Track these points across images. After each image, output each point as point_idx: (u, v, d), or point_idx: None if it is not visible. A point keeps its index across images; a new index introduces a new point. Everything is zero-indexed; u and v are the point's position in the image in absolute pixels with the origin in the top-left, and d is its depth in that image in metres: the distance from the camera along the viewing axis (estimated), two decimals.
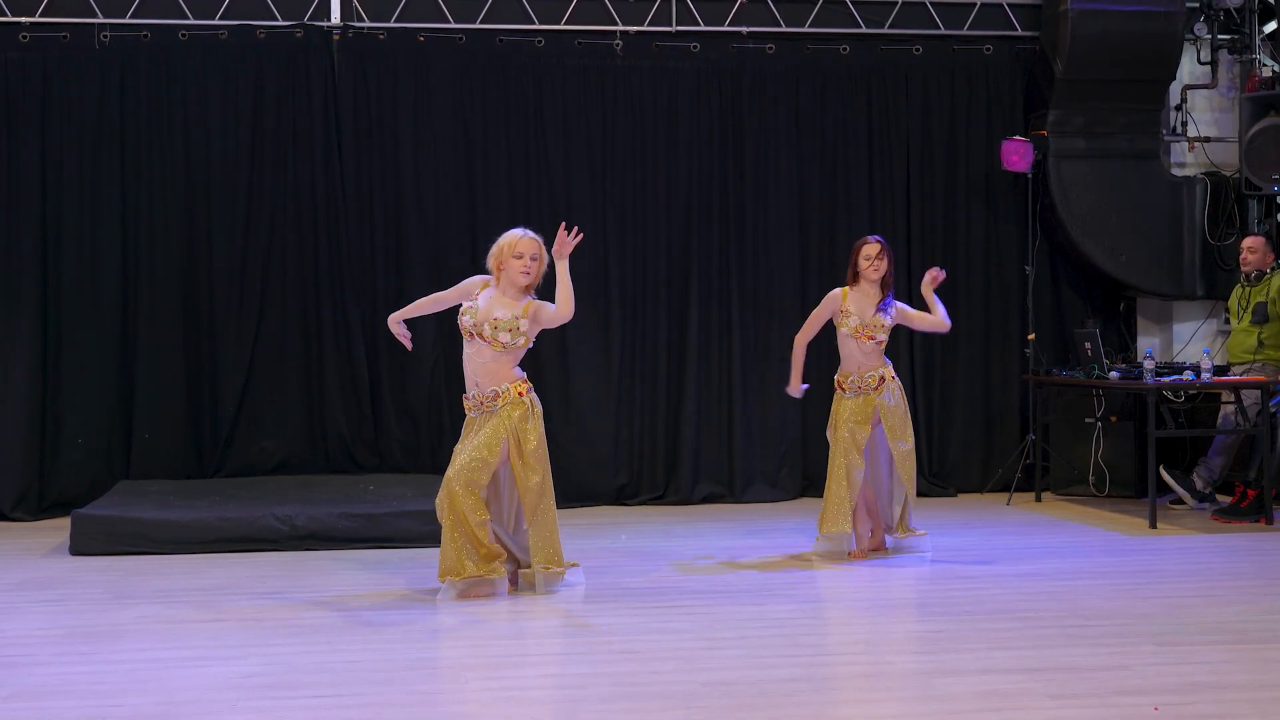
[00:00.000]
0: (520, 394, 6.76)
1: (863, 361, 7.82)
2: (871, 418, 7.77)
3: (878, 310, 7.79)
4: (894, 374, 7.89)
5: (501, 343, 6.71)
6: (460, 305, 6.83)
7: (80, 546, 8.02)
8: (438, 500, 6.74)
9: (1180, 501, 9.58)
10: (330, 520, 8.18)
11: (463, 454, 6.70)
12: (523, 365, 9.93)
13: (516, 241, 6.81)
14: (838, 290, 7.92)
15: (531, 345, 6.89)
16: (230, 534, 8.07)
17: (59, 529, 8.79)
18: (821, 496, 7.95)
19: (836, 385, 7.90)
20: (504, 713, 4.85)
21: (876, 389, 7.78)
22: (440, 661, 5.66)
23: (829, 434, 7.93)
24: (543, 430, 6.82)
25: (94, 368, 9.70)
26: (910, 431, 7.87)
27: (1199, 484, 9.55)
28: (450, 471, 6.68)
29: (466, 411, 6.85)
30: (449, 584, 6.68)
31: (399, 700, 5.01)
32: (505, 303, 6.76)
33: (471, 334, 6.75)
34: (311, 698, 5.06)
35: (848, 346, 7.84)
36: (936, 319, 7.97)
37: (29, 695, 5.08)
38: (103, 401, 9.72)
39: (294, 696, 5.09)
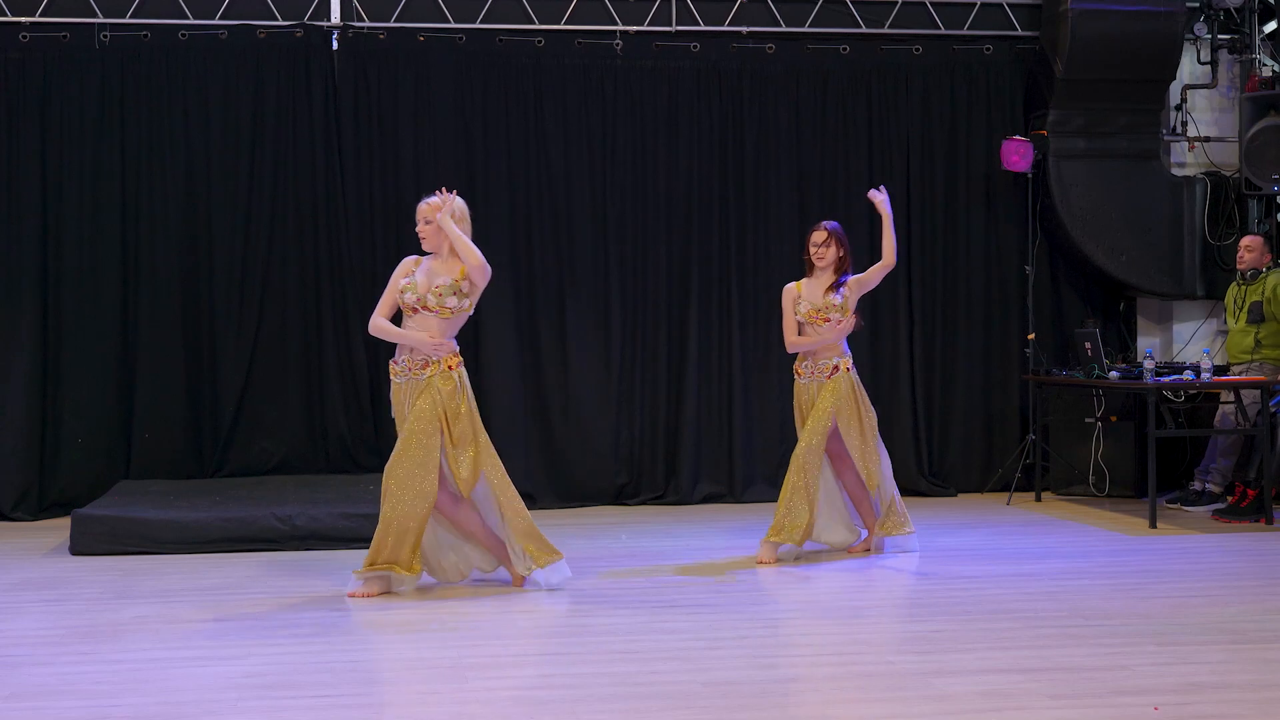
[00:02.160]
0: (450, 367, 6.76)
1: (825, 338, 7.81)
2: (829, 415, 7.73)
3: (828, 292, 7.83)
4: (850, 366, 7.86)
5: (449, 308, 6.75)
6: (400, 287, 6.85)
7: (80, 546, 8.02)
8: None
9: (1200, 503, 9.55)
10: (330, 520, 8.17)
11: (399, 437, 6.75)
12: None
13: (418, 208, 6.93)
14: (790, 284, 8.00)
15: (471, 314, 6.91)
16: (230, 534, 8.07)
17: (59, 529, 8.79)
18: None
19: (795, 373, 7.95)
20: (504, 713, 4.85)
21: (831, 376, 7.77)
22: (440, 661, 5.66)
23: (795, 414, 7.97)
24: (474, 407, 6.82)
25: (94, 368, 9.70)
26: (858, 426, 7.80)
27: (1217, 489, 9.53)
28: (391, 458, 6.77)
29: (393, 377, 6.84)
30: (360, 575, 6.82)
31: (399, 700, 5.01)
32: (442, 270, 6.82)
33: (415, 308, 6.78)
34: (311, 698, 5.06)
35: (805, 332, 7.89)
36: (884, 254, 7.91)
37: (29, 695, 5.08)
38: (103, 401, 9.72)
39: (294, 696, 5.09)
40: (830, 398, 7.76)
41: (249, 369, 9.86)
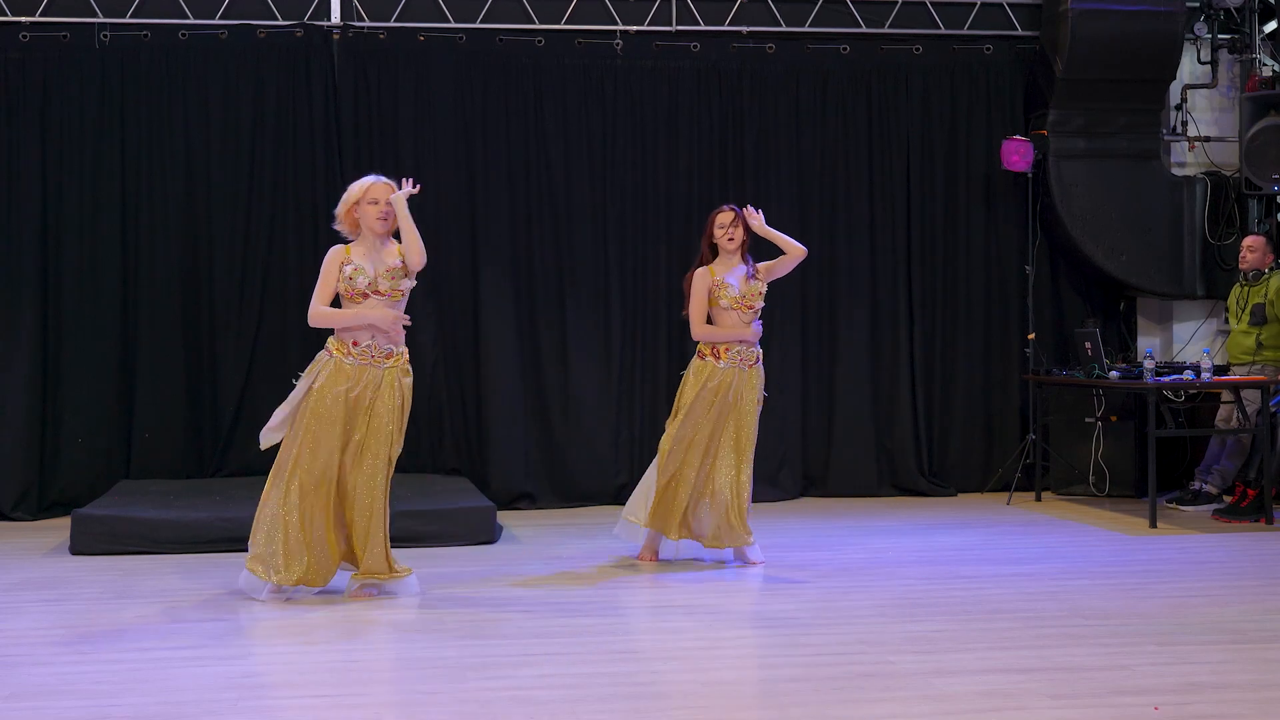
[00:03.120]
0: (406, 359, 6.79)
1: (744, 335, 7.55)
2: (724, 407, 7.49)
3: (750, 278, 7.54)
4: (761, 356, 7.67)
5: (401, 290, 6.68)
6: (343, 274, 6.63)
7: (80, 546, 8.02)
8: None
9: (1196, 503, 9.56)
10: None
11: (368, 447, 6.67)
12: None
13: (369, 187, 6.65)
14: (702, 269, 7.60)
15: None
16: (230, 534, 8.04)
17: (59, 529, 8.79)
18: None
19: (712, 355, 7.53)
20: (504, 713, 4.85)
21: (752, 366, 7.53)
22: (440, 661, 5.66)
23: (678, 398, 7.64)
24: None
25: (94, 368, 9.70)
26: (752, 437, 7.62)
27: (1215, 490, 9.54)
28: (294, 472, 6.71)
29: (342, 357, 6.63)
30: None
31: (399, 700, 5.01)
32: (384, 252, 6.67)
33: (366, 293, 6.61)
34: (311, 698, 5.06)
35: (729, 319, 7.54)
36: (791, 251, 7.60)
37: (29, 695, 5.08)
38: (103, 401, 9.72)
39: (294, 696, 5.09)
40: (750, 401, 7.53)
41: (249, 369, 9.86)
